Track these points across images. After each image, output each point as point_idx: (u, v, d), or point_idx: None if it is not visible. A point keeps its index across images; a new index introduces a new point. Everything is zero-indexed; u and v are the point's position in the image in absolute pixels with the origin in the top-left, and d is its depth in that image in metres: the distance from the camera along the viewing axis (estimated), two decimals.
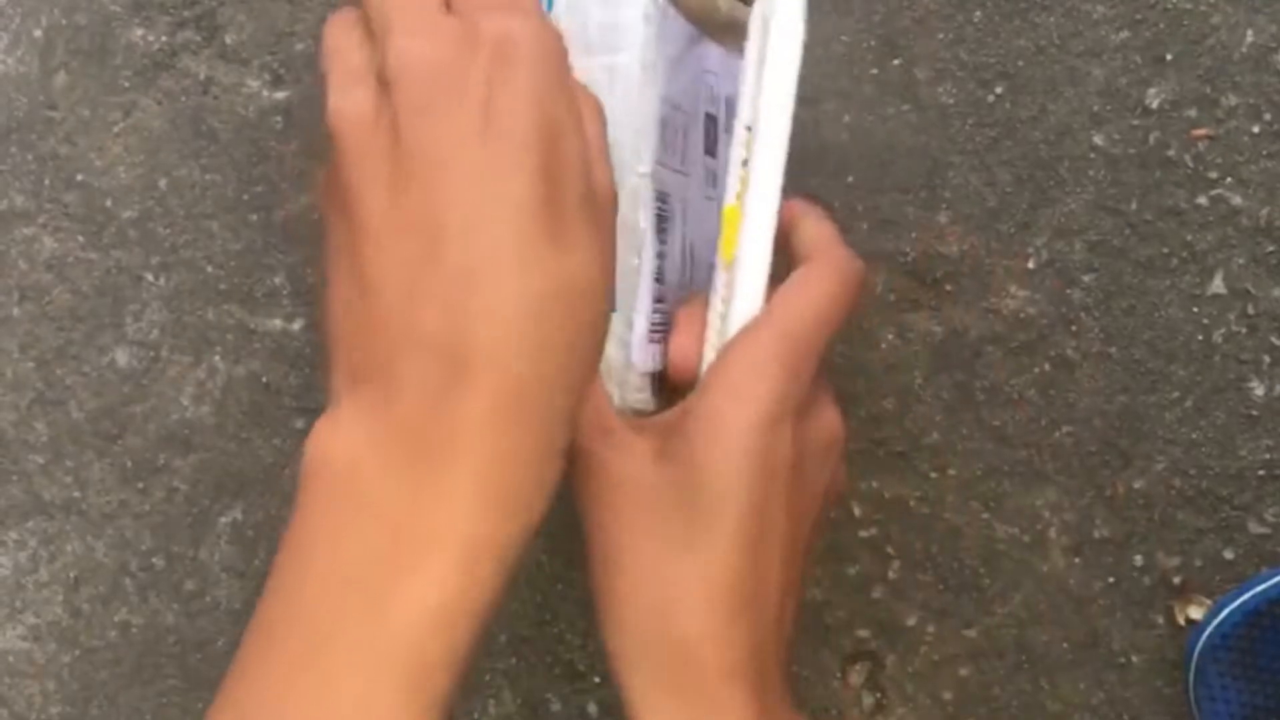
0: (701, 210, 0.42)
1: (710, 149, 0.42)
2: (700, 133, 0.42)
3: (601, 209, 0.31)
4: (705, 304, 0.40)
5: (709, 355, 0.39)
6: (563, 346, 0.29)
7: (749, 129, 0.38)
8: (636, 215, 0.38)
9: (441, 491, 0.28)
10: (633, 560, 0.35)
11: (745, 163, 0.38)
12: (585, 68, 0.38)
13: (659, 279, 0.40)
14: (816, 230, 0.38)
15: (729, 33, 0.43)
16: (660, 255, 0.40)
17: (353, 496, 0.29)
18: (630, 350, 0.39)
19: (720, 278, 0.39)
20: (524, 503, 0.29)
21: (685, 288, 0.42)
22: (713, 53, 0.42)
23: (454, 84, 0.29)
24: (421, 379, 0.29)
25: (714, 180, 0.43)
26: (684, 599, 0.34)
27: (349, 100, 0.30)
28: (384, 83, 0.30)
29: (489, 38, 0.29)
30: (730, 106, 0.44)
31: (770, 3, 0.37)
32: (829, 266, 0.37)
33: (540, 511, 0.30)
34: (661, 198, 0.39)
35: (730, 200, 0.38)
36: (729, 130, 0.44)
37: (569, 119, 0.30)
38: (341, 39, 0.32)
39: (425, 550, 0.28)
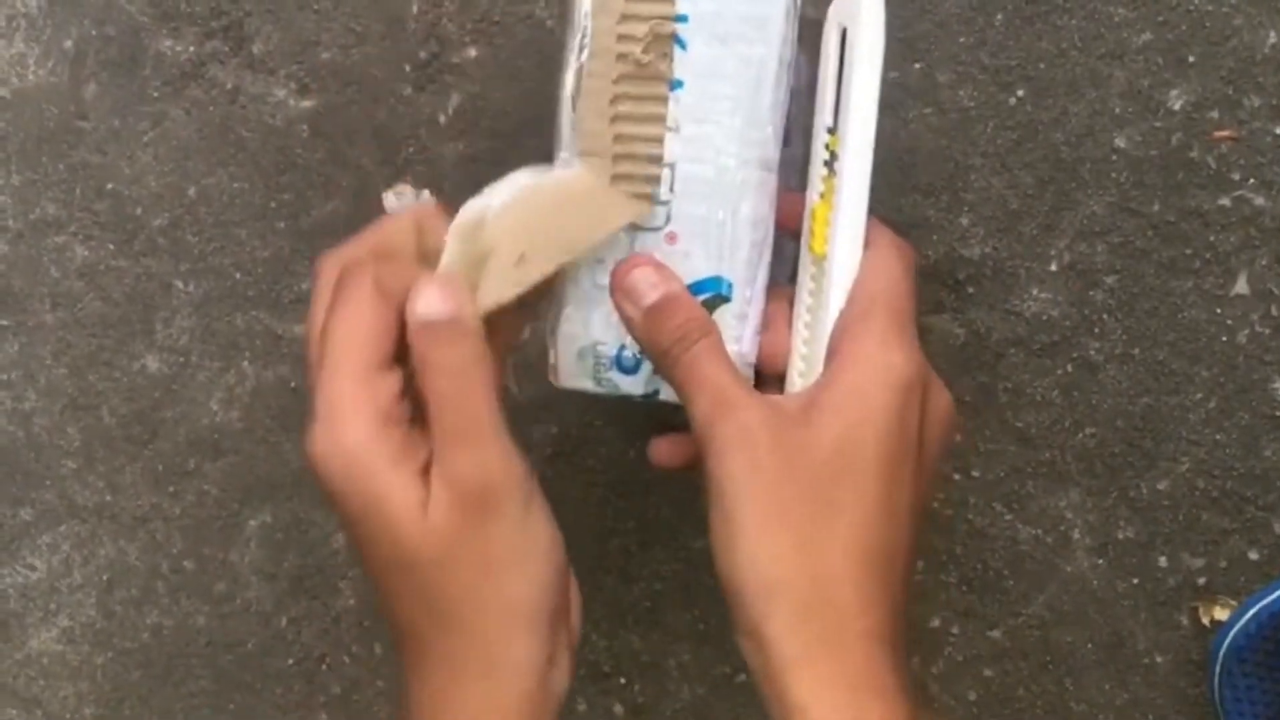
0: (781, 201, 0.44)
1: (787, 141, 0.43)
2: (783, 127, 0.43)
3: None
4: (786, 297, 0.42)
5: (798, 345, 0.40)
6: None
7: (831, 130, 0.39)
8: (762, 209, 0.40)
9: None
10: (786, 526, 0.36)
11: (827, 163, 0.39)
12: (717, 55, 0.39)
13: (771, 272, 0.41)
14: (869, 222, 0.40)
15: None
16: (773, 248, 0.41)
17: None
18: (743, 343, 0.40)
19: (808, 270, 0.40)
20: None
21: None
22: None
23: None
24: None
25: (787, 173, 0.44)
26: (838, 563, 0.36)
27: None
28: None
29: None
30: (798, 102, 0.45)
31: (849, 7, 0.38)
32: (893, 248, 0.39)
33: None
34: (779, 191, 0.41)
35: (815, 198, 0.39)
36: (799, 126, 0.45)
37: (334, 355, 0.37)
38: None
39: None
